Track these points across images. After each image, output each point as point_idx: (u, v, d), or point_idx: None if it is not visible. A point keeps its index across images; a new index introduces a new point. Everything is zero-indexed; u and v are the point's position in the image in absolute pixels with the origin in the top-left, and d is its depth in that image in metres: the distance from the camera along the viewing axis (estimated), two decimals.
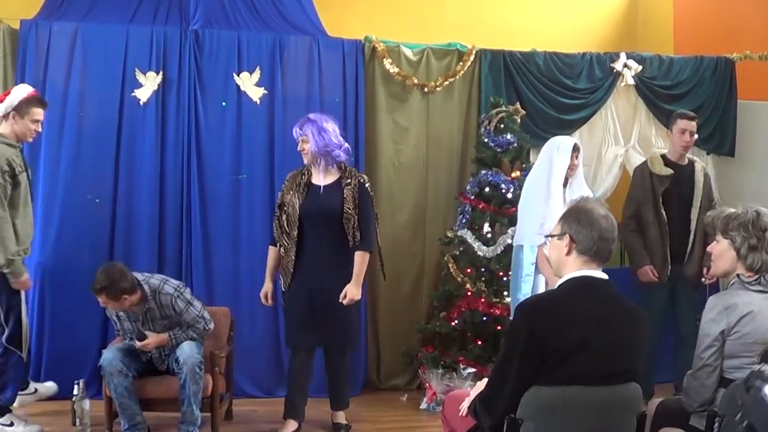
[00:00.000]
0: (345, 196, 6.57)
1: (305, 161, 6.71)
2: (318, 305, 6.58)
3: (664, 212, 7.60)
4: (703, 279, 7.47)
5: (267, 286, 6.83)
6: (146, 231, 7.80)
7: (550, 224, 6.97)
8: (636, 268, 7.71)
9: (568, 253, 3.89)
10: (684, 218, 7.68)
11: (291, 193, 6.65)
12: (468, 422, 4.20)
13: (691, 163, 7.87)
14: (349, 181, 6.65)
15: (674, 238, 7.64)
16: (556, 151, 6.93)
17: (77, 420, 6.67)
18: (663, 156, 7.81)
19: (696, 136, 7.83)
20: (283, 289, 6.72)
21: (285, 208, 6.63)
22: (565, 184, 6.85)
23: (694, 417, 4.57)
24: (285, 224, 6.61)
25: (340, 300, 6.54)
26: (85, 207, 7.64)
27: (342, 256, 6.62)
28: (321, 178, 6.68)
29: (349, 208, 6.55)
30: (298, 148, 6.72)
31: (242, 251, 7.95)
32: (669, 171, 7.64)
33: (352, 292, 6.57)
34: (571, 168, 6.86)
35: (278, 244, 6.71)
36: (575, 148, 6.91)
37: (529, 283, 6.90)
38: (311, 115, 6.81)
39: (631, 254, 7.85)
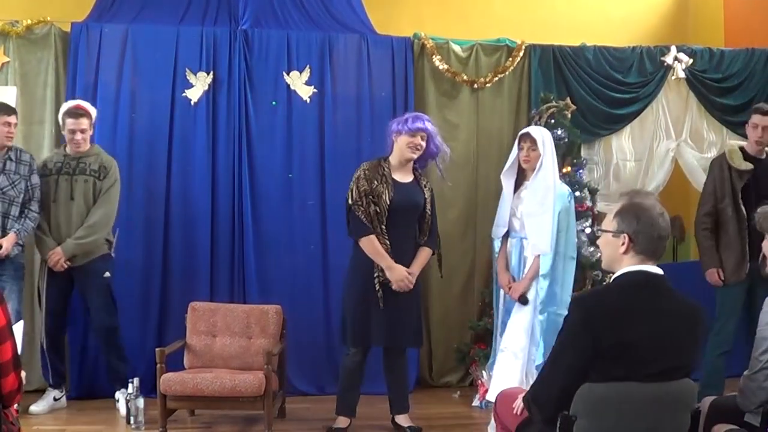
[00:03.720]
0: (426, 196, 6.64)
1: (408, 156, 6.54)
2: (387, 300, 6.44)
3: (744, 207, 7.25)
4: None
5: (402, 268, 6.45)
6: (199, 230, 7.87)
7: (499, 219, 6.98)
8: (705, 268, 7.38)
9: (625, 252, 3.82)
10: None
11: (375, 183, 6.48)
12: (520, 419, 4.19)
13: None
14: (425, 182, 6.72)
15: (753, 235, 7.32)
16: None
17: (131, 418, 6.71)
18: (741, 149, 7.44)
19: None
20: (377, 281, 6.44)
21: (373, 198, 6.46)
22: (526, 177, 6.74)
23: (749, 414, 4.52)
24: (375, 215, 6.46)
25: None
26: (139, 206, 7.74)
27: (413, 255, 6.61)
28: (404, 176, 6.63)
29: (428, 208, 6.63)
30: (414, 142, 6.51)
31: (294, 249, 7.98)
32: (749, 165, 7.29)
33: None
34: (525, 160, 6.66)
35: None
36: (523, 137, 6.71)
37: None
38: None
39: (702, 254, 7.47)
